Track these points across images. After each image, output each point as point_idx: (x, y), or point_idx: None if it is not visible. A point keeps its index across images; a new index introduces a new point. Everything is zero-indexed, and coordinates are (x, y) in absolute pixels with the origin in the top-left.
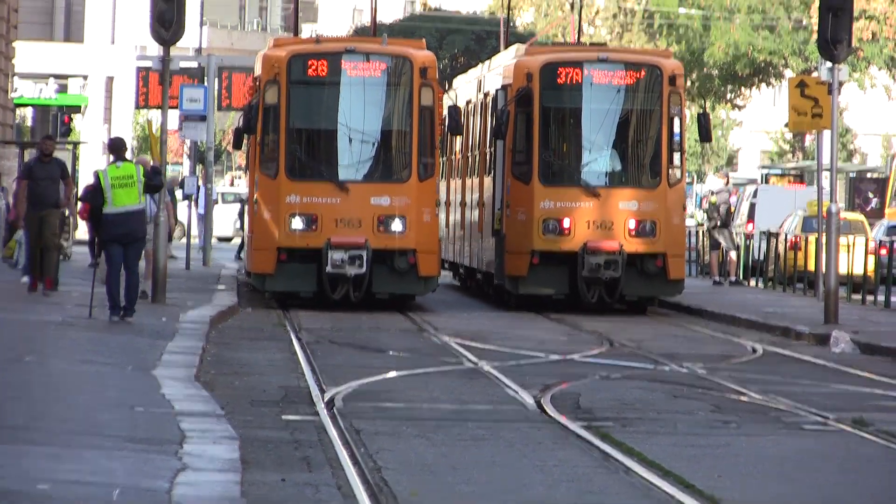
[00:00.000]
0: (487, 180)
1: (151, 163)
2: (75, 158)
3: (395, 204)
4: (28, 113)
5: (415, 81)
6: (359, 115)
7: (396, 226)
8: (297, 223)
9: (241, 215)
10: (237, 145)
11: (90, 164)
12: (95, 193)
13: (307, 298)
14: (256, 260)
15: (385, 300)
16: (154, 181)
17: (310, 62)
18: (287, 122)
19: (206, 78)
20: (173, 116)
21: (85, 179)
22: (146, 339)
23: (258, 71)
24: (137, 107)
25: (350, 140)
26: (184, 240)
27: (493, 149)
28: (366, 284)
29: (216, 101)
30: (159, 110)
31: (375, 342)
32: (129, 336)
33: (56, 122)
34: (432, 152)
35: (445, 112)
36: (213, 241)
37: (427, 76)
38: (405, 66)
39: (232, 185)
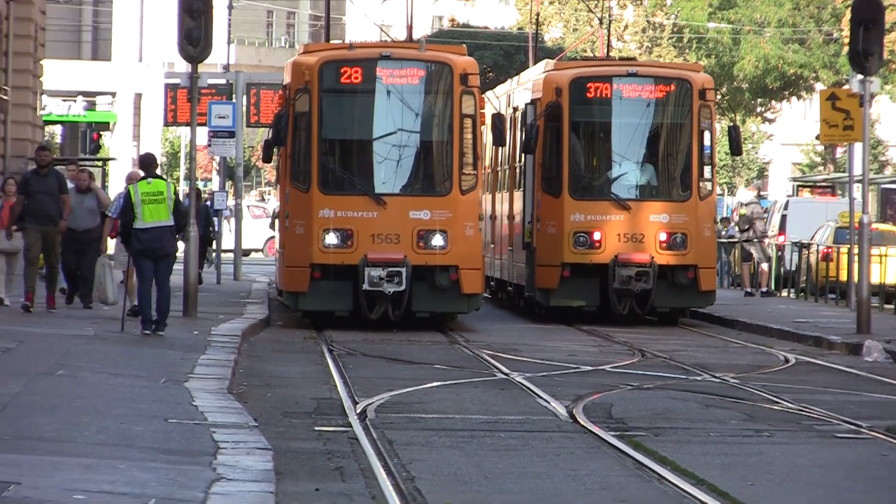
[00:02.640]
0: (517, 194)
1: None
2: (105, 175)
3: (435, 218)
4: (57, 130)
5: (455, 88)
6: (396, 125)
7: (437, 241)
8: (332, 239)
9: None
10: (267, 159)
11: (120, 180)
12: (125, 209)
13: (342, 318)
14: (288, 278)
15: (425, 319)
16: (180, 209)
17: (343, 69)
18: (319, 132)
19: (234, 94)
20: (202, 133)
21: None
22: (178, 353)
23: (288, 79)
24: (166, 123)
25: (387, 151)
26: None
27: (522, 163)
28: (405, 303)
29: (244, 118)
30: (188, 127)
31: (407, 354)
32: (161, 349)
33: (85, 139)
34: (475, 163)
35: (488, 121)
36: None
37: (468, 83)
38: (445, 72)
39: (262, 200)
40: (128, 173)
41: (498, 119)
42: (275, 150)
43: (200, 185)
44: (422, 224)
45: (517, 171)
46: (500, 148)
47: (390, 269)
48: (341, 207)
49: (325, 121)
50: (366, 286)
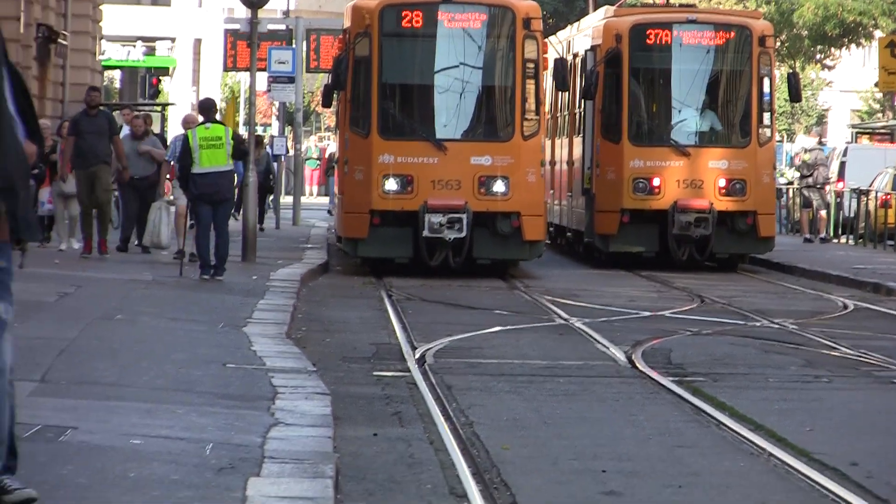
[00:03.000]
0: (577, 140)
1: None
2: (164, 120)
3: (497, 164)
4: (116, 75)
5: (517, 33)
6: (457, 69)
7: (499, 187)
8: (392, 184)
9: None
10: (327, 103)
11: (179, 125)
12: (183, 154)
13: (402, 264)
14: (347, 224)
15: (485, 265)
16: (242, 147)
17: (403, 13)
18: (379, 76)
19: (293, 40)
20: (262, 78)
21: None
22: (237, 297)
23: (347, 23)
24: (226, 69)
25: (448, 96)
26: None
27: (582, 109)
28: (466, 249)
29: (304, 63)
30: (247, 72)
31: (466, 300)
32: (219, 294)
33: (144, 84)
34: (537, 108)
35: (550, 66)
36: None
37: (531, 27)
38: (507, 16)
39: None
40: (184, 116)
41: (560, 64)
42: (334, 95)
43: (259, 129)
44: (483, 170)
45: (577, 116)
46: (560, 94)
47: (451, 215)
48: (401, 153)
49: (386, 65)
50: (426, 232)
